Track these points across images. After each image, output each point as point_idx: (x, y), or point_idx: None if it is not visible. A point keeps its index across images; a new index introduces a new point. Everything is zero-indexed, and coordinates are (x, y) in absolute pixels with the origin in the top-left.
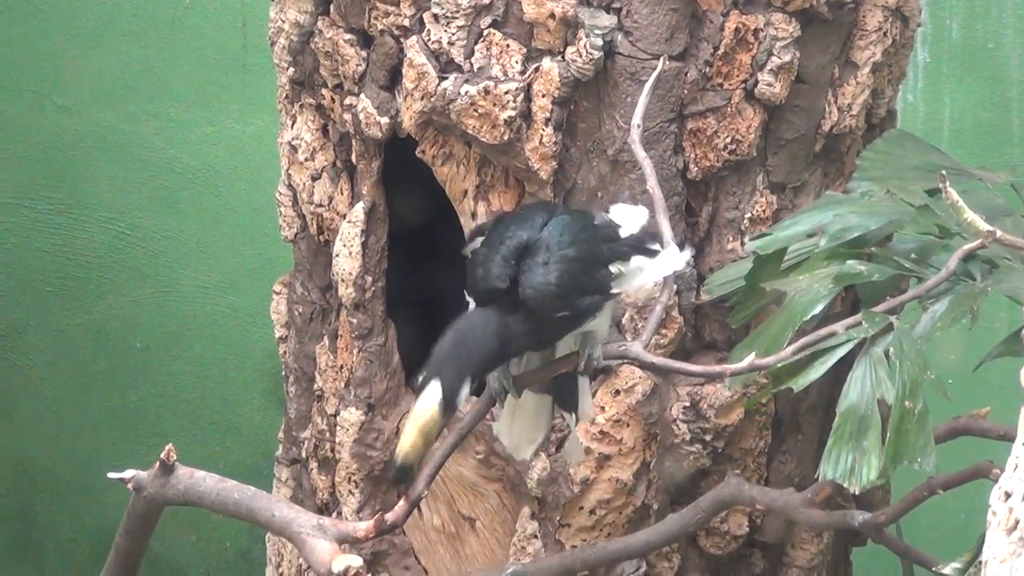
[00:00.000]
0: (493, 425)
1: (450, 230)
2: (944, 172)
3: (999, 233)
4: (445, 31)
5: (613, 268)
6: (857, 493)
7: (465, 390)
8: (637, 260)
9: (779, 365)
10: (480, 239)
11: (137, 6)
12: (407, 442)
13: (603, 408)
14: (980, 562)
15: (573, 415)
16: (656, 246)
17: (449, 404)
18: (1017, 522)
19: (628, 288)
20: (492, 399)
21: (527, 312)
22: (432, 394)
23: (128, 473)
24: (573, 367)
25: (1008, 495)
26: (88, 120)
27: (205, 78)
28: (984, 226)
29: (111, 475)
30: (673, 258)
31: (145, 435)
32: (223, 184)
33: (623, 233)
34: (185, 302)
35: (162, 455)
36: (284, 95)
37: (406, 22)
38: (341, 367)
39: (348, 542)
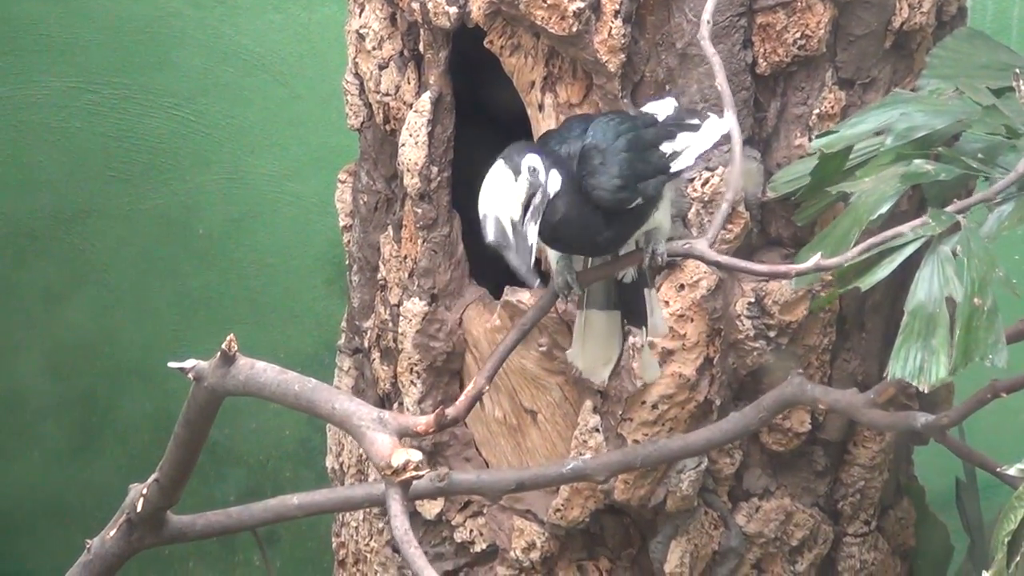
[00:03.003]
0: (568, 353)
1: (517, 120)
2: (1017, 70)
3: None
4: None
5: (664, 148)
6: (926, 391)
7: (529, 161)
8: (683, 137)
9: (846, 265)
10: None
11: None
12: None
13: (667, 303)
14: None
15: (644, 330)
16: (696, 120)
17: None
18: None
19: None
20: (555, 295)
21: (603, 213)
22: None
23: (189, 363)
24: (638, 263)
25: None
26: (155, 5)
27: None
28: None
29: (172, 364)
30: (716, 125)
31: (207, 322)
32: (289, 72)
33: (660, 119)
34: (249, 189)
35: (223, 345)
36: None
37: None
38: (405, 257)
39: (408, 435)
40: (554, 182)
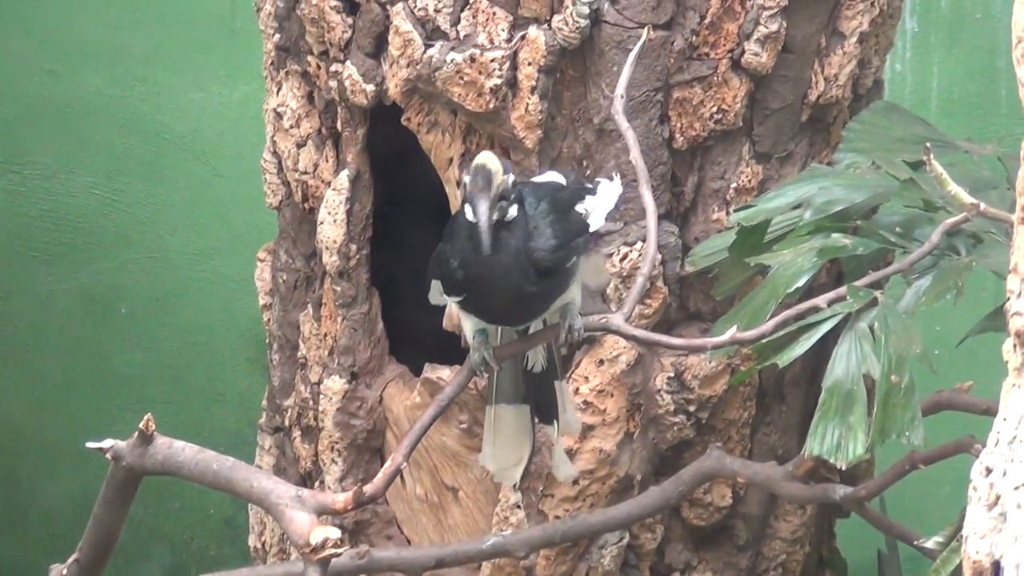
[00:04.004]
0: (479, 456)
1: (435, 199)
2: (929, 144)
3: (983, 206)
4: None
5: (579, 208)
6: (843, 468)
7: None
8: (589, 199)
9: (763, 340)
10: None
11: None
12: None
13: (587, 378)
14: (961, 537)
15: (555, 425)
16: (589, 185)
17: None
18: (998, 498)
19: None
20: (471, 372)
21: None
22: None
23: (107, 443)
24: (554, 338)
25: (989, 470)
26: (75, 85)
27: (193, 43)
28: (968, 199)
29: (90, 445)
30: (610, 187)
31: (130, 401)
32: (210, 150)
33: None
34: (171, 268)
35: (141, 425)
36: (270, 61)
37: None
38: (325, 335)
39: (327, 513)
40: (513, 211)
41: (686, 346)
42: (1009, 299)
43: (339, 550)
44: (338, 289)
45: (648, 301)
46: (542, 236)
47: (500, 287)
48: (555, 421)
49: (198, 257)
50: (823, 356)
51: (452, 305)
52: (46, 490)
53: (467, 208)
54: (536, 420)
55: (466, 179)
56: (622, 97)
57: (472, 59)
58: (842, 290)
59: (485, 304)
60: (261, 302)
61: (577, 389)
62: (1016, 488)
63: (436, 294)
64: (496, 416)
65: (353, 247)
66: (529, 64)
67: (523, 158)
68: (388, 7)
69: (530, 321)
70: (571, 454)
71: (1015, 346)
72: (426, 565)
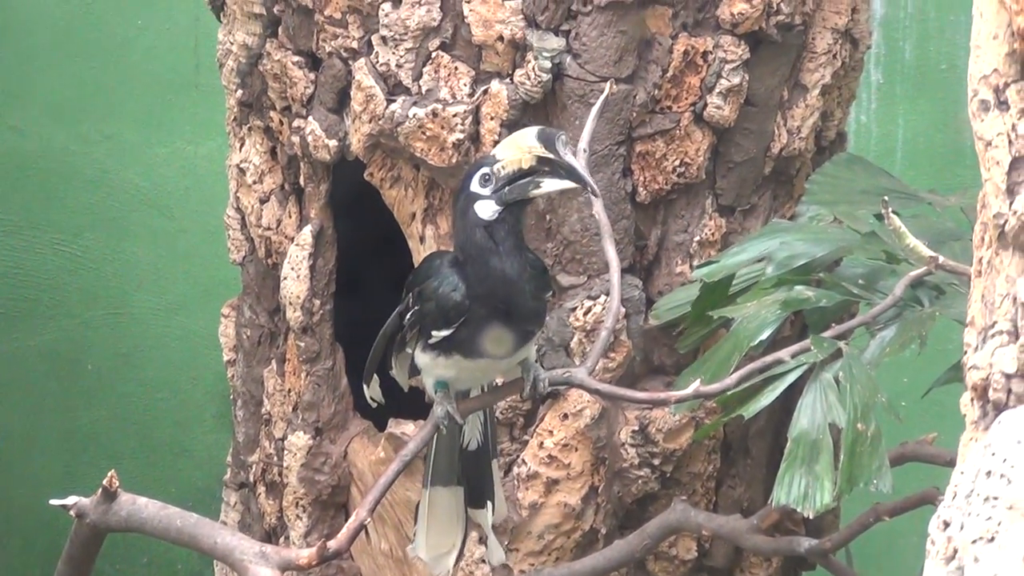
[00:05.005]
0: (409, 548)
1: (398, 253)
2: (886, 198)
3: (941, 259)
4: (393, 53)
5: None
6: (811, 517)
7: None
8: None
9: (727, 393)
10: None
11: (90, 27)
12: None
13: (551, 432)
14: None
15: (488, 509)
16: None
17: None
18: (955, 551)
19: None
20: (435, 426)
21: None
22: None
23: (70, 500)
24: (518, 392)
25: (947, 524)
26: (40, 141)
27: (157, 99)
28: (927, 252)
29: (53, 502)
30: None
31: (96, 457)
32: (175, 206)
33: None
34: (137, 324)
35: (104, 481)
36: (233, 117)
37: (354, 44)
38: (289, 391)
39: (291, 569)
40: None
41: (650, 400)
42: (966, 352)
43: None
44: (302, 345)
45: (612, 355)
46: (531, 257)
47: (510, 289)
48: (488, 504)
49: (164, 313)
50: (787, 409)
51: (421, 358)
52: (13, 548)
53: (483, 205)
54: (467, 507)
55: (535, 144)
56: (585, 151)
57: (434, 114)
58: (806, 343)
59: (483, 319)
60: (225, 358)
61: (542, 443)
62: (973, 541)
63: (375, 388)
64: (431, 500)
65: (317, 302)
66: (492, 118)
67: None
68: (350, 62)
69: (513, 351)
70: (536, 508)
71: (972, 399)
72: None
